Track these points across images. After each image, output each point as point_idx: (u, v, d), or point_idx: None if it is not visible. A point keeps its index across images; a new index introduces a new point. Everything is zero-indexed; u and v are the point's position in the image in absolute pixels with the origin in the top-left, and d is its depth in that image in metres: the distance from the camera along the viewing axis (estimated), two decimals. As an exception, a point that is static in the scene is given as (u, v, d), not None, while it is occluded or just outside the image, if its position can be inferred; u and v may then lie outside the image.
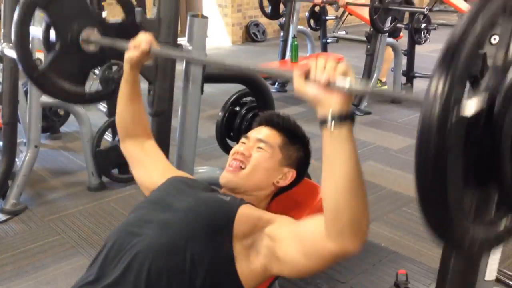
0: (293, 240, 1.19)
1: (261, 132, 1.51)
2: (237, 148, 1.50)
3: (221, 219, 1.29)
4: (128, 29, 1.83)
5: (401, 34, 5.34)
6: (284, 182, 1.49)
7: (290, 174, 1.49)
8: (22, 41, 1.72)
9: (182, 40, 2.01)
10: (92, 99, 1.96)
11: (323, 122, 1.05)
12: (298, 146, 1.52)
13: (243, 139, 1.52)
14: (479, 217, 0.83)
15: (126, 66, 1.55)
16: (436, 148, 0.70)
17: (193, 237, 1.26)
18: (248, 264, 1.27)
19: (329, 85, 1.02)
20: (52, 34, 1.79)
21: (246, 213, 1.30)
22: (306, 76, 1.06)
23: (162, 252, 1.24)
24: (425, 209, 0.76)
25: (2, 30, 2.77)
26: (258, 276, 1.28)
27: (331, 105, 1.03)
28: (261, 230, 1.27)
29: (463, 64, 0.69)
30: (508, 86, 0.75)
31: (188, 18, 2.02)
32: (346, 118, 1.03)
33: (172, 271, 1.22)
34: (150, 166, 1.59)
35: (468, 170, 0.76)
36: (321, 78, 1.03)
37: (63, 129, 4.21)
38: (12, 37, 1.71)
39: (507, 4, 0.74)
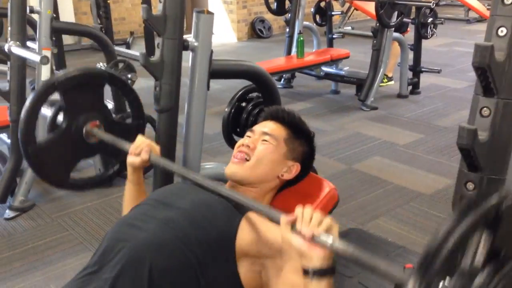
0: None
1: (266, 126, 1.53)
2: (242, 141, 1.51)
3: (224, 224, 1.29)
4: (131, 131, 1.90)
5: (408, 29, 5.32)
6: (288, 176, 1.50)
7: (295, 168, 1.50)
8: (31, 118, 1.76)
9: (188, 37, 2.01)
10: (74, 186, 2.00)
11: (305, 273, 1.09)
12: (302, 141, 1.53)
13: (248, 133, 1.54)
14: None
15: (129, 169, 1.61)
16: None
17: (196, 236, 1.25)
18: (250, 267, 1.28)
19: (313, 239, 1.07)
20: (59, 117, 1.87)
21: (249, 229, 1.29)
22: (292, 225, 1.10)
23: (163, 247, 1.24)
24: None
25: (9, 29, 2.78)
26: (258, 282, 1.29)
27: (312, 259, 1.07)
28: (266, 259, 1.26)
29: (438, 271, 0.80)
30: None
31: (194, 14, 2.03)
32: (325, 272, 1.08)
33: (175, 268, 1.22)
34: None
35: None
36: (306, 231, 1.07)
37: (70, 126, 4.22)
38: (22, 113, 1.75)
39: (480, 219, 0.85)
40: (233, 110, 2.27)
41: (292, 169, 1.50)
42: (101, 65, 2.83)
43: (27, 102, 1.77)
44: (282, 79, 5.53)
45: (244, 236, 1.27)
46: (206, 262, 1.23)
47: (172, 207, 1.34)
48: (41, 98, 1.77)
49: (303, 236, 1.07)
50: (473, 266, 0.87)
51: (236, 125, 2.29)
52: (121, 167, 1.95)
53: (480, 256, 0.87)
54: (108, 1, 5.68)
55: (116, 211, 2.94)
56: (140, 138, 1.60)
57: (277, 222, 1.15)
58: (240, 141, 1.52)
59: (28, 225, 2.82)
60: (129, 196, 1.64)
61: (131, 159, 1.58)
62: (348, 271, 2.31)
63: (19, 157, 2.94)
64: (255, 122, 2.12)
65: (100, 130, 1.83)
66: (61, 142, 1.82)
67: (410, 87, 5.09)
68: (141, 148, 1.55)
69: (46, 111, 1.89)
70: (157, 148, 1.60)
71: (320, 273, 1.07)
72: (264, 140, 1.48)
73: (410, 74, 5.08)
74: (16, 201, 2.93)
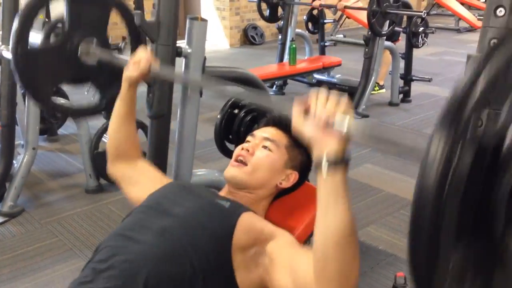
0: (287, 273, 1.17)
1: (268, 131, 1.51)
2: (242, 145, 1.50)
3: (220, 228, 1.27)
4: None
5: (399, 37, 5.36)
6: (286, 184, 1.49)
7: (293, 176, 1.49)
8: (29, 15, 1.68)
9: (182, 43, 2.01)
10: (55, 107, 1.91)
11: (318, 165, 1.03)
12: (302, 150, 1.52)
13: (249, 137, 1.52)
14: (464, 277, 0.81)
15: (124, 84, 1.54)
16: (433, 208, 0.68)
17: (192, 245, 1.24)
18: (247, 273, 1.26)
19: (327, 125, 1.00)
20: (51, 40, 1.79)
21: (246, 223, 1.28)
22: (306, 111, 1.04)
23: (160, 260, 1.21)
24: (414, 267, 0.74)
25: (1, 33, 2.77)
26: (257, 286, 1.27)
27: (327, 147, 1.01)
28: (263, 244, 1.24)
29: (464, 125, 0.67)
30: (509, 146, 0.73)
31: (188, 21, 2.03)
32: (340, 162, 1.01)
33: (171, 278, 1.20)
34: (148, 182, 1.54)
35: (462, 224, 0.74)
36: (321, 115, 1.01)
37: (61, 131, 4.20)
38: (21, 11, 1.67)
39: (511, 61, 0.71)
40: (225, 117, 2.27)
41: (290, 178, 1.49)
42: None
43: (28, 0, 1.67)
44: (274, 86, 5.54)
45: (240, 235, 1.26)
46: (202, 270, 1.22)
47: (167, 215, 1.32)
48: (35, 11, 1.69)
49: (317, 121, 1.01)
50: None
51: (228, 132, 2.28)
52: (111, 103, 1.85)
53: None
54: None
55: (106, 217, 2.93)
56: (141, 50, 1.53)
57: (288, 112, 1.08)
58: (240, 146, 1.51)
59: (17, 230, 2.79)
60: (119, 116, 1.56)
61: (129, 72, 1.51)
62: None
63: (9, 162, 2.92)
64: (247, 129, 2.13)
65: (95, 48, 1.75)
66: (53, 54, 1.72)
67: (401, 96, 5.12)
68: (141, 59, 1.50)
69: (36, 36, 1.80)
70: (157, 62, 1.54)
71: (335, 162, 1.00)
72: (265, 146, 1.47)
73: (401, 83, 5.11)
74: (5, 207, 2.90)
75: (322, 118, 1.01)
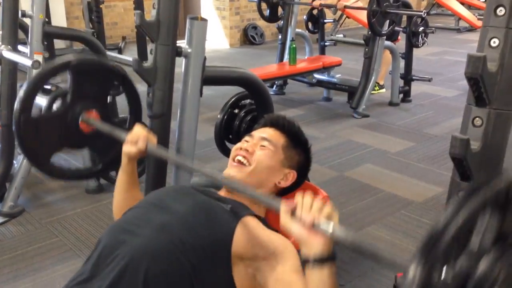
0: None
1: (266, 132, 1.53)
2: (240, 144, 1.50)
3: (219, 231, 1.28)
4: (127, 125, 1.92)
5: (399, 37, 5.35)
6: (285, 183, 1.50)
7: (291, 175, 1.50)
8: (35, 87, 1.76)
9: (182, 43, 2.01)
10: (52, 171, 1.92)
11: (306, 261, 1.09)
12: (300, 150, 1.53)
13: (246, 137, 1.53)
14: None
15: (124, 159, 1.58)
16: None
17: (191, 242, 1.24)
18: (245, 278, 1.27)
19: (313, 226, 1.06)
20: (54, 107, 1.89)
21: (246, 231, 1.28)
22: (292, 212, 1.10)
23: (159, 255, 1.22)
24: None
25: (1, 32, 2.77)
26: (253, 286, 1.28)
27: (313, 247, 1.07)
28: (264, 264, 1.24)
29: (441, 254, 0.76)
30: (480, 275, 0.80)
31: (188, 20, 2.03)
32: (327, 260, 1.07)
33: (170, 274, 1.21)
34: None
35: None
36: (306, 218, 1.07)
37: (61, 131, 4.20)
38: (27, 82, 1.76)
39: (488, 200, 0.81)
40: (225, 117, 2.27)
41: (289, 177, 1.50)
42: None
43: (36, 72, 1.74)
44: (274, 86, 5.54)
45: (240, 240, 1.27)
46: (200, 267, 1.22)
47: (167, 211, 1.33)
48: (52, 72, 1.76)
49: (303, 223, 1.07)
50: (481, 247, 0.83)
51: (228, 132, 2.29)
52: (108, 166, 1.93)
53: (487, 238, 0.83)
54: (101, 6, 5.65)
55: (106, 217, 2.92)
56: (138, 128, 1.58)
57: (277, 210, 1.15)
58: (238, 145, 1.52)
59: (17, 231, 2.79)
60: (121, 187, 1.62)
61: (127, 148, 1.56)
62: (340, 280, 2.31)
63: (9, 162, 2.92)
64: (248, 129, 2.13)
65: (96, 119, 1.81)
66: (54, 122, 1.80)
67: (401, 95, 5.11)
68: (138, 137, 1.54)
69: (41, 100, 1.87)
70: (154, 139, 1.59)
71: (321, 261, 1.07)
72: (263, 146, 1.48)
73: (401, 82, 5.11)
74: (5, 207, 2.90)
75: (307, 220, 1.06)
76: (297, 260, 1.23)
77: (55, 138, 1.81)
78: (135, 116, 1.96)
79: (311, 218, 1.06)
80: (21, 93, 1.72)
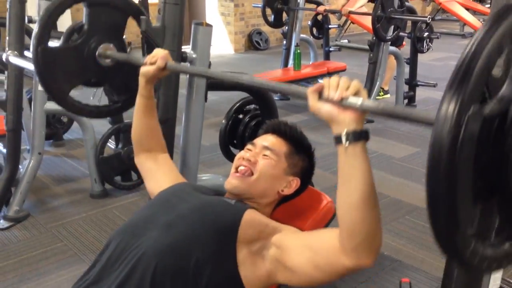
0: (304, 252, 1.20)
1: (268, 140, 1.51)
2: (242, 154, 1.50)
3: (226, 222, 1.30)
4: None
5: (404, 42, 5.35)
6: (288, 191, 1.49)
7: (295, 183, 1.49)
8: (51, 18, 1.76)
9: (186, 48, 2.02)
10: (72, 106, 1.92)
11: (338, 140, 1.07)
12: (303, 156, 1.52)
13: (249, 146, 1.52)
14: (488, 236, 0.83)
15: (141, 80, 1.57)
16: (447, 166, 0.72)
17: (197, 239, 1.26)
18: (253, 268, 1.27)
19: (342, 103, 1.04)
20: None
21: (252, 218, 1.31)
22: (320, 94, 1.08)
23: (166, 253, 1.24)
24: (434, 220, 0.76)
25: (7, 38, 2.78)
26: (262, 281, 1.28)
27: (345, 122, 1.05)
28: (268, 237, 1.28)
29: (473, 85, 0.70)
30: None
31: (193, 26, 2.04)
32: (360, 135, 1.06)
33: (176, 272, 1.23)
34: (160, 178, 1.59)
35: (477, 184, 0.77)
36: (334, 96, 1.05)
37: (66, 136, 4.22)
38: (43, 13, 1.75)
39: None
40: (230, 122, 2.28)
41: (292, 184, 1.49)
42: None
43: (51, 3, 1.75)
44: (279, 91, 5.54)
45: (245, 230, 1.28)
46: (206, 263, 1.23)
47: (173, 211, 1.35)
48: (67, 2, 1.76)
49: (331, 101, 1.05)
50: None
51: (233, 137, 2.29)
52: (127, 103, 1.91)
53: None
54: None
55: (111, 222, 2.93)
56: (157, 49, 1.58)
57: (303, 96, 1.13)
58: (240, 154, 1.50)
59: (23, 235, 2.80)
60: (139, 110, 1.62)
61: (146, 68, 1.55)
62: (344, 285, 2.31)
63: (15, 166, 2.93)
64: (252, 134, 2.13)
65: (112, 50, 1.83)
66: (72, 54, 1.80)
67: (406, 101, 5.11)
68: (157, 56, 1.53)
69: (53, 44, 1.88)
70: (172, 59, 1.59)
71: (354, 135, 1.05)
72: (265, 155, 1.47)
73: (406, 88, 5.10)
74: (10, 211, 2.91)
75: (335, 97, 1.05)
76: (296, 229, 1.31)
77: (73, 71, 1.81)
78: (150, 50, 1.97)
79: (339, 94, 1.04)
80: (39, 22, 1.72)
